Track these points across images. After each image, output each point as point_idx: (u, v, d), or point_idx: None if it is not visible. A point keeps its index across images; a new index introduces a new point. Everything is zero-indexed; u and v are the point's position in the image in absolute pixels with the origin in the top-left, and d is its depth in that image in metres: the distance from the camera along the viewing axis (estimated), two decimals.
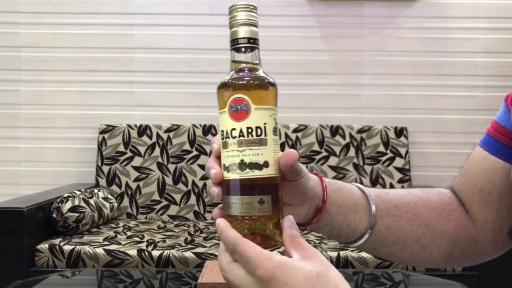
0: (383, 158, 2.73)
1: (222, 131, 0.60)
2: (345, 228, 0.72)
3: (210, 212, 2.68)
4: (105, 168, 2.71)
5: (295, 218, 0.66)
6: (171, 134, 2.75)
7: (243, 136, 0.58)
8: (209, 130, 2.75)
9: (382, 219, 0.74)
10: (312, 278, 0.55)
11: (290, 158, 0.60)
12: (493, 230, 0.79)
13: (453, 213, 0.79)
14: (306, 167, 2.98)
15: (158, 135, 2.75)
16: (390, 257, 0.78)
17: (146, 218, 2.68)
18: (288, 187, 0.64)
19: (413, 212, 0.76)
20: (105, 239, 2.18)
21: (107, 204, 2.50)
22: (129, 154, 2.72)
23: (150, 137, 2.74)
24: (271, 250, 0.57)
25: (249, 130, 0.58)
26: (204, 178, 2.70)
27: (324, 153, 2.73)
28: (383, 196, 0.75)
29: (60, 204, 2.21)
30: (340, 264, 2.08)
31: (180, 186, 2.70)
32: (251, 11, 0.60)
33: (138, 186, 2.69)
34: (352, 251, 2.09)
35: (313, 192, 0.67)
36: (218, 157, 0.61)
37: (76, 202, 2.26)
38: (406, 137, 2.78)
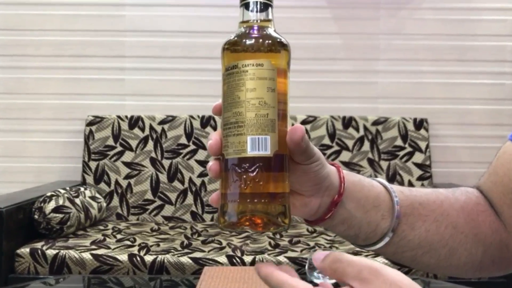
0: (401, 153, 2.72)
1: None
2: (364, 226, 0.70)
3: (208, 212, 2.69)
4: (93, 164, 2.71)
5: (306, 210, 0.66)
6: (165, 126, 2.74)
7: None
8: (207, 121, 2.75)
9: (407, 218, 0.72)
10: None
11: (295, 134, 0.59)
12: None
13: (483, 214, 0.77)
14: None
15: (151, 128, 2.74)
16: (414, 263, 0.76)
17: (138, 219, 2.68)
18: (298, 172, 0.62)
19: (440, 211, 0.74)
20: (92, 243, 2.18)
21: (94, 204, 2.50)
22: (119, 148, 2.72)
23: (143, 130, 2.74)
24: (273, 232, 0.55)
25: None
26: (201, 175, 2.68)
27: (336, 147, 2.72)
28: (407, 193, 0.74)
29: (42, 204, 2.21)
30: None
31: (176, 184, 2.69)
32: None
33: (129, 184, 2.69)
34: (366, 255, 2.06)
35: (328, 182, 0.66)
36: None
37: (61, 202, 2.26)
38: (427, 130, 2.77)
